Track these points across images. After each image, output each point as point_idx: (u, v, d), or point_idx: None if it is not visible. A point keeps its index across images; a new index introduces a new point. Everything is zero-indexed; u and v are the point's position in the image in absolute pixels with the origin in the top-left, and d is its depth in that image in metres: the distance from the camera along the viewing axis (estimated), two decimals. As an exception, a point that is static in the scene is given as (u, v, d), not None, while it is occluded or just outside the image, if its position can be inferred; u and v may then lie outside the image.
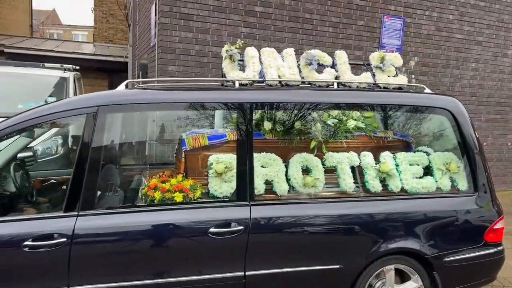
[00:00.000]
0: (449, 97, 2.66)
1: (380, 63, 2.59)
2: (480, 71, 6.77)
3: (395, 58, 2.71)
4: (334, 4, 5.65)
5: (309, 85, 2.53)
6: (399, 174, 2.59)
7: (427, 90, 2.64)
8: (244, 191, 2.20)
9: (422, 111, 2.62)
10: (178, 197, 2.16)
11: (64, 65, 5.24)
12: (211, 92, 2.41)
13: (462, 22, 6.49)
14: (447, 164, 2.66)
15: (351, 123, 2.80)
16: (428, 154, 2.83)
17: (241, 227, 2.11)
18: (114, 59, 9.91)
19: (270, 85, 2.45)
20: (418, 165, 2.67)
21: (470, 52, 6.64)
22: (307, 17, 5.52)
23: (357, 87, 2.56)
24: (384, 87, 2.61)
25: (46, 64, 5.26)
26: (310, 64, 2.45)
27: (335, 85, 2.49)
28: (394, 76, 2.67)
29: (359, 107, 2.55)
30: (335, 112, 2.86)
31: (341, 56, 2.63)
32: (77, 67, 5.45)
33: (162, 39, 4.93)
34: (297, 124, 2.72)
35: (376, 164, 2.61)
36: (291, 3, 5.41)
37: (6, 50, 8.98)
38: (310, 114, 2.70)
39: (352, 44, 5.82)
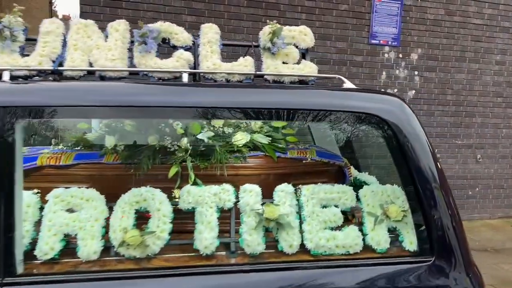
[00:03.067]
0: (386, 96, 1.68)
1: (270, 42, 1.65)
2: (508, 65, 5.57)
3: (300, 35, 1.76)
4: (307, -15, 4.72)
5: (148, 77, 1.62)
6: (300, 223, 1.64)
7: (348, 85, 1.66)
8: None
9: (336, 119, 1.64)
10: None
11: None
12: None
13: (482, 4, 5.34)
14: (385, 205, 1.68)
15: (240, 138, 1.87)
16: (367, 185, 1.87)
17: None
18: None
19: (73, 78, 1.56)
20: (336, 206, 1.70)
21: (493, 41, 5.46)
22: (271, 1, 4.62)
23: (228, 80, 1.63)
24: (274, 81, 1.66)
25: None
26: (144, 43, 1.56)
27: (185, 77, 1.56)
28: (296, 63, 1.72)
29: (224, 111, 1.59)
30: (219, 122, 1.94)
31: (207, 32, 1.71)
32: None
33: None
34: (152, 139, 1.83)
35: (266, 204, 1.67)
36: (249, -16, 4.54)
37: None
38: (162, 123, 1.81)
39: (333, 34, 4.85)
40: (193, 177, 1.79)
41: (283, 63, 1.70)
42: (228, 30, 4.52)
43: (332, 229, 1.66)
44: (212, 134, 1.85)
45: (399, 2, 5.01)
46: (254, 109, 1.47)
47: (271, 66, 1.64)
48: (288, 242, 1.58)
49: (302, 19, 4.72)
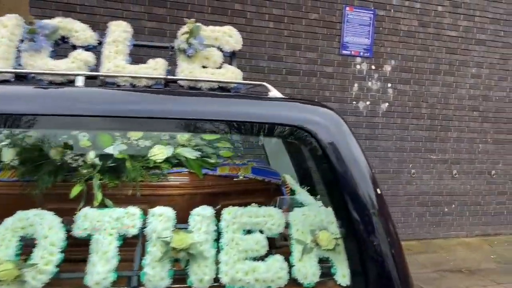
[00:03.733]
0: (316, 107, 1.48)
1: (186, 43, 1.45)
2: (484, 78, 5.48)
3: (224, 36, 1.57)
4: (275, -8, 4.56)
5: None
6: (216, 253, 1.42)
7: (274, 93, 1.46)
8: None
9: (258, 131, 1.43)
10: None
11: None
12: None
13: (457, 16, 5.27)
14: (316, 231, 1.46)
15: (158, 152, 1.65)
16: (303, 206, 1.67)
17: None
18: None
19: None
20: (261, 232, 1.49)
21: (469, 54, 5.38)
22: (237, 8, 4.46)
23: (134, 85, 1.41)
24: (190, 87, 1.45)
25: None
26: (32, 40, 1.34)
27: (80, 81, 1.34)
28: (218, 68, 1.51)
29: (115, 121, 1.36)
30: (137, 134, 1.72)
31: (114, 31, 1.50)
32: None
33: (35, 37, 3.95)
34: (54, 153, 1.60)
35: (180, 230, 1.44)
36: (214, -10, 4.37)
37: None
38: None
39: (302, 44, 4.70)
40: (100, 197, 1.56)
41: (203, 67, 1.49)
42: (191, 38, 4.32)
43: (254, 259, 1.44)
44: (125, 147, 1.62)
45: (372, 12, 4.89)
46: (152, 118, 1.26)
47: (185, 70, 1.43)
48: (199, 276, 1.36)
49: (270, 28, 4.56)
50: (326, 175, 1.37)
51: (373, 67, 4.99)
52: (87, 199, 1.57)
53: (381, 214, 1.39)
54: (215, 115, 1.31)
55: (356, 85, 4.96)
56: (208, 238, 1.43)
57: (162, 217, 1.45)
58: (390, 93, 5.11)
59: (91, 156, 1.58)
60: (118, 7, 4.09)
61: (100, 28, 3.81)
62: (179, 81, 1.43)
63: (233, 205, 1.58)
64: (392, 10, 5.01)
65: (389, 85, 5.10)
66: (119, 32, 1.48)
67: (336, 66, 4.85)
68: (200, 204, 1.59)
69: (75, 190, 1.56)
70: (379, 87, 5.04)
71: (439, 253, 4.98)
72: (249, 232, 1.50)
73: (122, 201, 1.58)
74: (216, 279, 1.37)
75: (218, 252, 1.42)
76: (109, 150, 1.60)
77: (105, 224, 1.41)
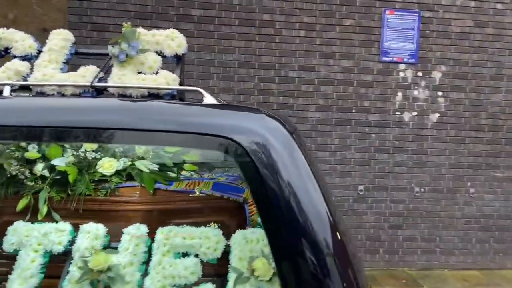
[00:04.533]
0: (252, 114, 1.28)
1: (118, 47, 1.36)
2: (561, 82, 4.72)
3: (166, 40, 1.45)
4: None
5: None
6: (140, 278, 1.28)
7: (209, 99, 1.30)
8: None
9: (188, 143, 1.27)
10: None
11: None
12: None
13: (522, 13, 4.63)
14: (252, 259, 1.27)
15: (107, 165, 1.57)
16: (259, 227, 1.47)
17: None
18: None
19: None
20: (197, 256, 1.32)
21: (539, 56, 4.68)
22: (266, 19, 4.36)
23: (62, 94, 1.35)
24: (121, 94, 1.35)
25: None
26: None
27: (6, 91, 1.31)
28: (155, 73, 1.40)
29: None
30: (92, 146, 1.67)
31: (52, 39, 1.46)
32: None
33: (71, 57, 4.21)
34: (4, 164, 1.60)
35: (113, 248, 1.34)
36: (241, 2, 4.32)
37: None
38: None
39: (336, 52, 4.44)
40: (44, 211, 1.52)
41: (140, 73, 1.39)
42: (219, 51, 4.31)
43: (186, 286, 1.28)
44: (73, 159, 1.57)
45: (416, 14, 4.49)
46: (63, 128, 1.17)
47: (115, 77, 1.35)
48: (116, 302, 1.23)
49: (301, 36, 4.39)
50: (259, 198, 1.18)
51: (419, 74, 4.55)
52: (34, 212, 1.54)
53: (339, 257, 1.15)
54: (115, 124, 1.19)
55: (399, 94, 4.55)
56: (133, 260, 1.31)
57: (89, 234, 1.36)
58: (441, 102, 4.61)
59: (39, 168, 1.55)
60: (147, 24, 4.21)
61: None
62: (109, 89, 1.34)
63: (187, 224, 1.45)
64: (440, 11, 4.55)
65: (440, 93, 4.60)
66: (57, 40, 1.45)
67: (375, 74, 4.50)
68: (148, 222, 1.49)
69: (22, 203, 1.53)
70: (427, 95, 4.58)
71: (504, 286, 4.29)
72: (185, 255, 1.35)
73: (69, 215, 1.52)
74: (137, 307, 1.24)
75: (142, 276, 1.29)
76: (56, 162, 1.56)
77: (31, 240, 1.35)
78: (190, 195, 1.62)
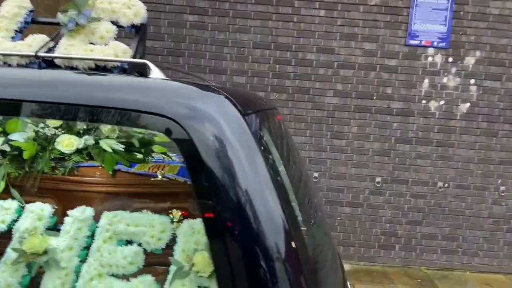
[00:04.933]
0: (192, 89, 1.14)
1: (67, 15, 1.26)
2: None
3: (123, 8, 1.33)
4: (328, -24, 4.13)
5: None
6: (79, 264, 1.21)
7: (156, 74, 1.16)
8: None
9: (123, 121, 1.15)
10: None
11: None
12: None
13: None
14: (195, 252, 1.15)
15: (66, 143, 1.50)
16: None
17: None
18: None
19: None
20: (140, 245, 1.23)
21: None
22: (284, -4, 4.15)
23: (8, 65, 1.27)
24: (68, 66, 1.25)
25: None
26: None
27: None
28: (106, 44, 1.28)
29: None
30: (57, 122, 1.60)
31: (6, 5, 1.38)
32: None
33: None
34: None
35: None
36: (259, -21, 4.13)
37: None
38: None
39: (358, 33, 4.18)
40: (1, 187, 1.47)
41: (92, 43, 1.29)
42: (233, 30, 4.16)
43: (123, 276, 1.19)
44: (33, 135, 1.51)
45: (450, -6, 4.12)
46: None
47: (62, 47, 1.25)
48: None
49: (320, 16, 4.15)
50: (197, 186, 1.05)
51: (450, 59, 4.20)
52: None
53: (286, 261, 1.02)
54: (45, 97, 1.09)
55: (426, 80, 4.23)
56: (73, 244, 1.23)
57: (33, 214, 1.29)
58: (473, 91, 4.24)
59: (-1, 143, 1.50)
60: (160, 2, 4.12)
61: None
62: (55, 60, 1.25)
63: (148, 209, 1.36)
64: (478, -10, 4.15)
65: (472, 81, 4.24)
66: (10, 7, 1.37)
67: (401, 59, 4.20)
68: (103, 205, 1.41)
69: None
70: (458, 83, 4.23)
71: (531, 295, 3.97)
72: (130, 243, 1.25)
73: (25, 193, 1.47)
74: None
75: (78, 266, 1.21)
76: (14, 137, 1.50)
77: None
78: (152, 179, 1.52)
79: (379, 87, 4.23)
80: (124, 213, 1.28)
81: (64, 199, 1.45)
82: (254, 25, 4.17)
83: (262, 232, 1.02)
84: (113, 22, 1.35)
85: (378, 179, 4.31)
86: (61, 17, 1.28)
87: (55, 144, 1.51)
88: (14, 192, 1.48)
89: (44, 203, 1.37)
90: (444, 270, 4.33)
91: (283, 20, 4.16)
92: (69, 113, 1.09)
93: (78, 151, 1.54)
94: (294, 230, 1.07)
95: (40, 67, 1.27)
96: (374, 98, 4.23)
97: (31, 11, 1.43)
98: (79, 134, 1.57)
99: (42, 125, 1.55)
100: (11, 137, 1.51)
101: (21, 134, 1.51)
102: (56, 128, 1.58)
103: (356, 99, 4.24)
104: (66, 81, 1.12)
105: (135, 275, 1.20)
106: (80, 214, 1.28)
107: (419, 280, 4.12)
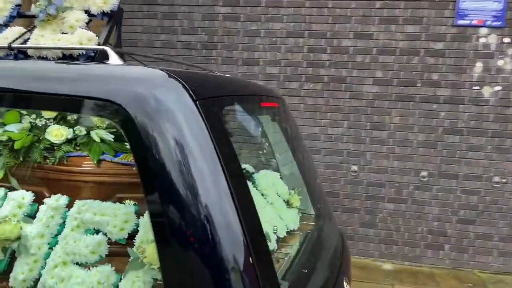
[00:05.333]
0: (142, 74, 1.09)
1: (39, 6, 1.28)
2: None
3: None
4: (366, -43, 3.89)
5: None
6: (49, 251, 1.23)
7: (113, 60, 1.14)
8: None
9: (73, 107, 1.14)
10: None
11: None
12: None
13: None
14: (149, 243, 1.12)
15: (55, 133, 1.55)
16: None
17: None
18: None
19: None
20: (98, 232, 1.23)
21: None
22: (317, -18, 3.97)
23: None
24: (40, 57, 1.27)
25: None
26: None
27: None
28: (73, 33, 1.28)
29: None
30: (52, 113, 1.65)
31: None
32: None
33: (124, 30, 4.37)
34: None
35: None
36: (291, -35, 3.99)
37: None
38: None
39: (399, 16, 3.89)
40: (0, 175, 1.55)
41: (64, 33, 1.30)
42: (266, 19, 4.08)
43: (87, 265, 1.20)
44: (28, 126, 1.57)
45: (507, -34, 3.68)
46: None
47: (33, 38, 1.28)
48: (15, 273, 1.20)
49: (357, 0, 3.92)
50: (143, 174, 1.01)
51: (505, 40, 3.76)
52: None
53: (237, 258, 0.96)
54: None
55: (479, 64, 3.83)
56: (45, 232, 1.26)
57: (13, 201, 1.34)
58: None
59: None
60: (192, -5, 4.15)
61: (178, 17, 3.92)
62: (28, 51, 1.28)
63: (131, 199, 1.37)
64: (542, -41, 3.66)
65: (532, 64, 3.76)
66: (-4, 2, 1.42)
67: (448, 41, 3.84)
68: (87, 193, 1.44)
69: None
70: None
71: None
72: (98, 232, 1.25)
73: (20, 182, 1.54)
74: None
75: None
76: (11, 127, 1.57)
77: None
78: (134, 168, 1.51)
79: (423, 73, 3.91)
80: (93, 202, 1.28)
81: (55, 188, 1.50)
82: (286, 13, 4.05)
83: (207, 226, 0.96)
84: (87, 11, 1.35)
85: (424, 173, 4.00)
86: (33, 9, 1.31)
87: (46, 134, 1.56)
88: (13, 180, 1.55)
89: (37, 192, 1.42)
90: (500, 274, 3.92)
91: (316, 7, 3.99)
92: (10, 100, 1.10)
93: (68, 141, 1.58)
94: (245, 221, 0.99)
95: (16, 58, 1.30)
96: (418, 85, 3.92)
97: (17, 5, 1.48)
98: (70, 125, 1.61)
99: (34, 116, 1.61)
100: (7, 128, 1.59)
101: (18, 125, 1.57)
102: (47, 119, 1.64)
103: (397, 86, 3.96)
104: (10, 70, 1.13)
105: (97, 264, 1.19)
106: (53, 202, 1.30)
107: (470, 285, 3.76)
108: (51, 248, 1.24)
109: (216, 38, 4.18)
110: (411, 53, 3.91)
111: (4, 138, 1.60)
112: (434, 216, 4.03)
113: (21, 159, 1.56)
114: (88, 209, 1.25)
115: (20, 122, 1.63)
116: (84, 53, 1.24)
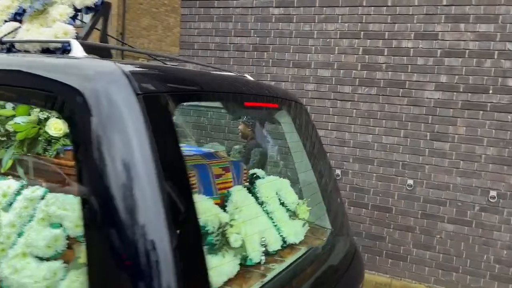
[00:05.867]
0: (87, 65, 1.05)
1: (28, 1, 1.32)
2: None
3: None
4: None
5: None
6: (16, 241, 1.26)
7: (76, 52, 1.12)
8: None
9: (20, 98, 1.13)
10: None
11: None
12: None
13: None
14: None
15: (53, 127, 1.60)
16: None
17: None
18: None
19: None
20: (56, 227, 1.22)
21: None
22: (377, -22, 3.70)
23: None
24: (26, 50, 1.30)
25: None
26: None
27: None
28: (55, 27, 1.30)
29: None
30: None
31: (2, -1, 1.52)
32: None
33: (183, 33, 4.51)
34: None
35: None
36: (348, -38, 3.77)
37: None
38: None
39: (469, 14, 3.46)
40: (8, 165, 1.65)
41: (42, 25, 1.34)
42: (319, 20, 3.91)
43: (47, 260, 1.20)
44: (34, 119, 1.65)
45: None
46: None
47: (20, 32, 1.32)
48: None
49: (421, -3, 3.57)
50: (76, 164, 0.98)
51: None
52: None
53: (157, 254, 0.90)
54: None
55: None
56: (16, 222, 1.29)
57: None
58: None
59: (9, 124, 1.68)
60: (246, -3, 4.14)
61: (232, 20, 3.93)
62: (16, 45, 1.33)
63: None
64: None
65: None
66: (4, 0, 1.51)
67: (530, 42, 3.33)
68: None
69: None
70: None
71: None
72: (60, 225, 1.25)
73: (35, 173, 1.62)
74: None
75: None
76: (18, 120, 1.66)
77: None
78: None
79: (497, 78, 3.43)
80: (62, 195, 1.28)
81: (48, 179, 1.55)
82: (341, 13, 3.84)
83: (129, 227, 0.89)
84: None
85: (493, 193, 3.50)
86: (23, 4, 1.35)
87: (46, 128, 1.61)
88: (20, 169, 1.64)
89: (36, 184, 1.48)
90: None
91: (374, 5, 3.72)
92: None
93: (67, 135, 1.62)
94: (173, 221, 0.91)
95: (8, 52, 1.36)
96: (490, 92, 3.45)
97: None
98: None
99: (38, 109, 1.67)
100: (15, 120, 1.67)
101: (25, 117, 1.65)
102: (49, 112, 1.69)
103: (465, 93, 3.52)
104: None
105: (56, 259, 1.19)
106: (29, 193, 1.33)
107: (545, 328, 3.19)
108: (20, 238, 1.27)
109: (268, 40, 4.11)
110: (483, 55, 3.45)
111: (12, 129, 1.69)
112: (503, 244, 3.50)
113: (25, 150, 1.64)
114: (55, 202, 1.25)
115: (29, 114, 1.71)
116: (60, 46, 1.26)
